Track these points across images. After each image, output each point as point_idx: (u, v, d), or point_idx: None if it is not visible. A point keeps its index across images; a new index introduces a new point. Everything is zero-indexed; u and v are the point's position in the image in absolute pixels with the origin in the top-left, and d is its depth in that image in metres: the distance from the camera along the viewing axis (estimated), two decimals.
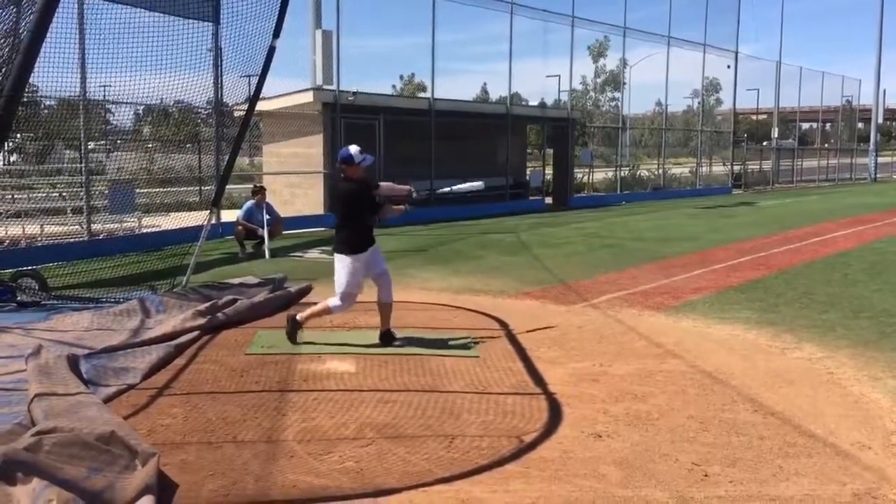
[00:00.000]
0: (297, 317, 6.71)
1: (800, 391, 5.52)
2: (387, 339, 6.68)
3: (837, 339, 7.00)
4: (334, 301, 6.58)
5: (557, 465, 4.19)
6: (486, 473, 4.07)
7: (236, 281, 9.05)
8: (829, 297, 8.93)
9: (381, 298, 6.68)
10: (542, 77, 27.87)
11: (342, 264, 6.48)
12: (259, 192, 13.21)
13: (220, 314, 7.39)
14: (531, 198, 23.96)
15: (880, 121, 48.30)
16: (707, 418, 4.93)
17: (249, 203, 13.06)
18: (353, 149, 6.48)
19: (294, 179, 17.19)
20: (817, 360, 6.33)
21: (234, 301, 7.78)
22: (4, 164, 14.95)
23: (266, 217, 12.64)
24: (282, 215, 13.62)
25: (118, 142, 14.65)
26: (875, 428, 4.80)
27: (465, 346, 6.66)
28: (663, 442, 4.53)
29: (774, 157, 37.23)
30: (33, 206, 13.55)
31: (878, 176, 46.06)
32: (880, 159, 48.63)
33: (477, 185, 7.31)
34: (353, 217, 6.52)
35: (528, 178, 24.88)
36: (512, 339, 7.01)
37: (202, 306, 7.41)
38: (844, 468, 4.18)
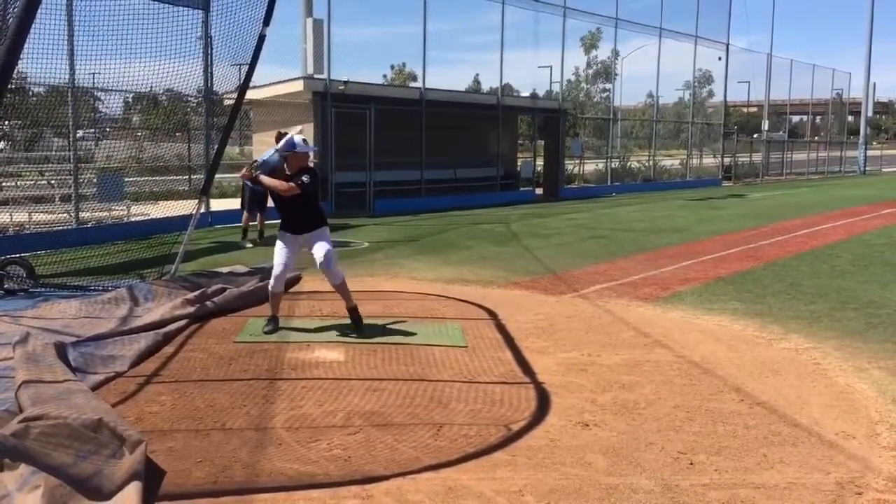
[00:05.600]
0: (272, 312, 6.90)
1: (785, 381, 5.57)
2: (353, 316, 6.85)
3: (824, 330, 7.05)
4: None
5: (544, 453, 4.22)
6: (473, 461, 4.09)
7: (225, 270, 9.04)
8: (817, 289, 8.99)
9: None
10: (534, 68, 27.93)
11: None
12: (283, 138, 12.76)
13: (208, 302, 7.38)
14: (522, 189, 23.98)
15: (870, 114, 48.50)
16: (693, 408, 4.96)
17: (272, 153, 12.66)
18: (297, 138, 6.74)
19: None
20: (804, 351, 6.38)
21: (223, 290, 7.77)
22: None
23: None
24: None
25: (107, 130, 14.57)
26: (860, 418, 4.84)
27: (453, 336, 6.67)
28: (649, 431, 4.56)
29: (764, 149, 37.34)
30: (21, 193, 13.47)
31: (867, 169, 46.27)
32: (869, 152, 48.82)
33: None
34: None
35: (518, 168, 24.89)
36: (501, 328, 7.03)
37: (191, 295, 7.41)
38: (829, 457, 4.22)
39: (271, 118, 17.37)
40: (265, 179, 6.67)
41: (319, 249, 6.66)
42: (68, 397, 4.42)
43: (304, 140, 6.72)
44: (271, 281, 6.81)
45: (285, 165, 6.71)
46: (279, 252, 6.76)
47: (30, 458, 3.51)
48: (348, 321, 6.93)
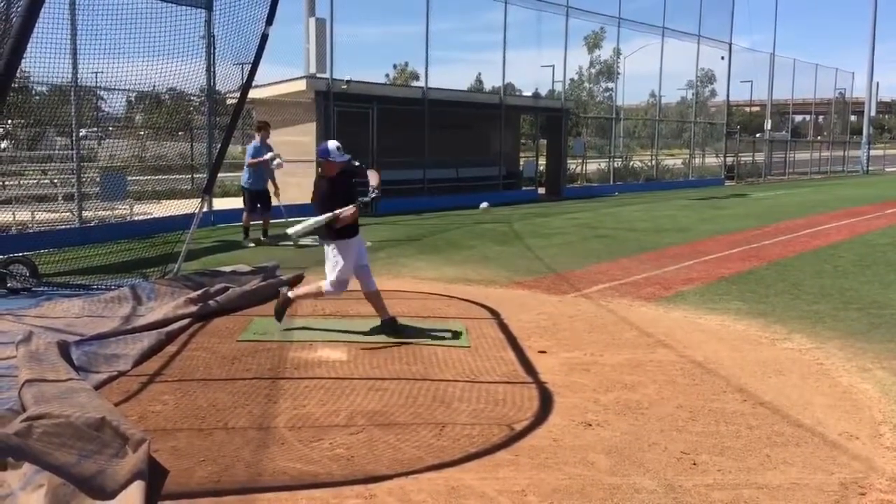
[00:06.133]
0: (290, 294, 6.81)
1: (789, 381, 5.56)
2: (389, 327, 6.69)
3: (827, 330, 7.04)
4: (327, 286, 6.63)
5: (547, 453, 4.22)
6: (476, 461, 4.09)
7: (228, 269, 9.03)
8: (820, 289, 8.97)
9: (365, 288, 6.75)
10: (537, 67, 27.99)
11: (337, 250, 6.54)
12: (264, 127, 12.99)
13: (211, 302, 7.38)
14: (524, 188, 23.95)
15: (873, 114, 48.38)
16: (696, 408, 4.96)
17: (255, 142, 12.92)
18: (332, 144, 6.60)
19: (287, 168, 17.11)
20: (807, 351, 6.37)
21: (226, 289, 7.77)
22: None
23: (270, 155, 12.52)
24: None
25: (110, 129, 14.57)
26: (863, 418, 4.83)
27: (456, 336, 6.67)
28: (652, 431, 4.55)
29: (767, 148, 37.27)
30: (24, 192, 13.47)
31: (870, 168, 46.18)
32: (872, 152, 48.71)
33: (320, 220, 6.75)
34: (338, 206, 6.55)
35: (521, 168, 24.85)
36: (503, 328, 7.02)
37: (194, 294, 7.41)
38: (832, 458, 4.21)
39: (274, 117, 17.35)
40: (344, 218, 6.43)
41: (366, 261, 6.72)
42: (71, 396, 4.42)
43: (338, 147, 6.57)
44: (332, 287, 6.61)
45: (321, 168, 6.68)
46: (351, 260, 6.57)
47: (33, 457, 3.51)
48: (350, 320, 6.92)
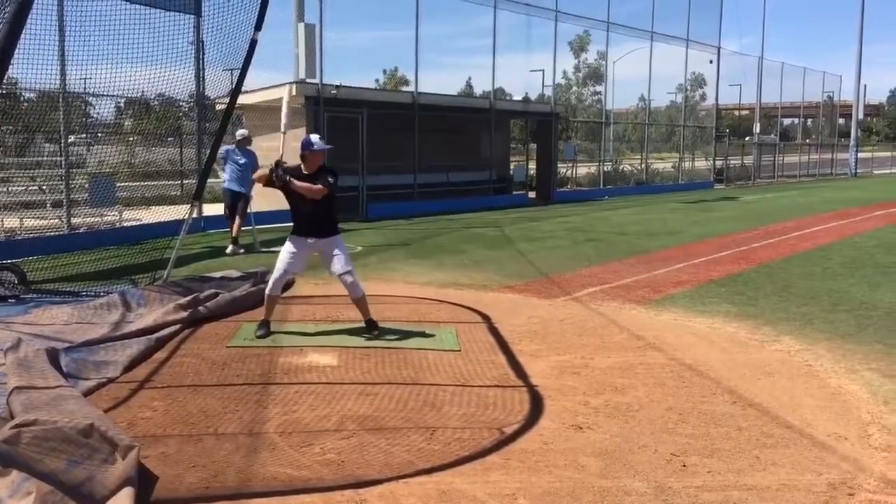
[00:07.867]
0: (264, 318, 6.83)
1: (778, 383, 5.58)
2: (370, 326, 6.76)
3: (816, 332, 7.07)
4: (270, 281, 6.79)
5: (538, 456, 4.22)
6: (466, 465, 4.09)
7: (218, 274, 9.01)
8: (809, 291, 9.02)
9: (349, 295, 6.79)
10: (526, 72, 28.00)
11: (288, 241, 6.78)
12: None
13: (201, 308, 7.36)
14: (514, 192, 23.99)
15: (861, 116, 48.81)
16: (686, 410, 4.97)
17: (226, 147, 12.15)
18: (314, 137, 6.78)
19: None
20: (796, 353, 6.40)
21: (216, 295, 7.74)
22: None
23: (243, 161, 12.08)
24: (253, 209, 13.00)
25: (99, 135, 14.54)
26: (851, 419, 4.86)
27: (447, 340, 6.67)
28: (643, 433, 4.56)
29: (756, 152, 37.47)
30: (12, 199, 13.42)
31: (858, 171, 46.45)
32: (860, 155, 48.98)
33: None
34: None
35: (511, 172, 24.90)
36: (494, 332, 7.03)
37: (183, 300, 7.37)
38: (821, 459, 4.23)
39: (264, 123, 17.33)
40: (296, 184, 6.45)
41: (340, 263, 6.60)
42: (60, 403, 4.39)
43: (320, 138, 6.58)
44: (269, 284, 6.78)
45: (302, 165, 6.64)
46: (285, 256, 6.68)
47: (21, 465, 3.50)
48: (341, 326, 6.92)
